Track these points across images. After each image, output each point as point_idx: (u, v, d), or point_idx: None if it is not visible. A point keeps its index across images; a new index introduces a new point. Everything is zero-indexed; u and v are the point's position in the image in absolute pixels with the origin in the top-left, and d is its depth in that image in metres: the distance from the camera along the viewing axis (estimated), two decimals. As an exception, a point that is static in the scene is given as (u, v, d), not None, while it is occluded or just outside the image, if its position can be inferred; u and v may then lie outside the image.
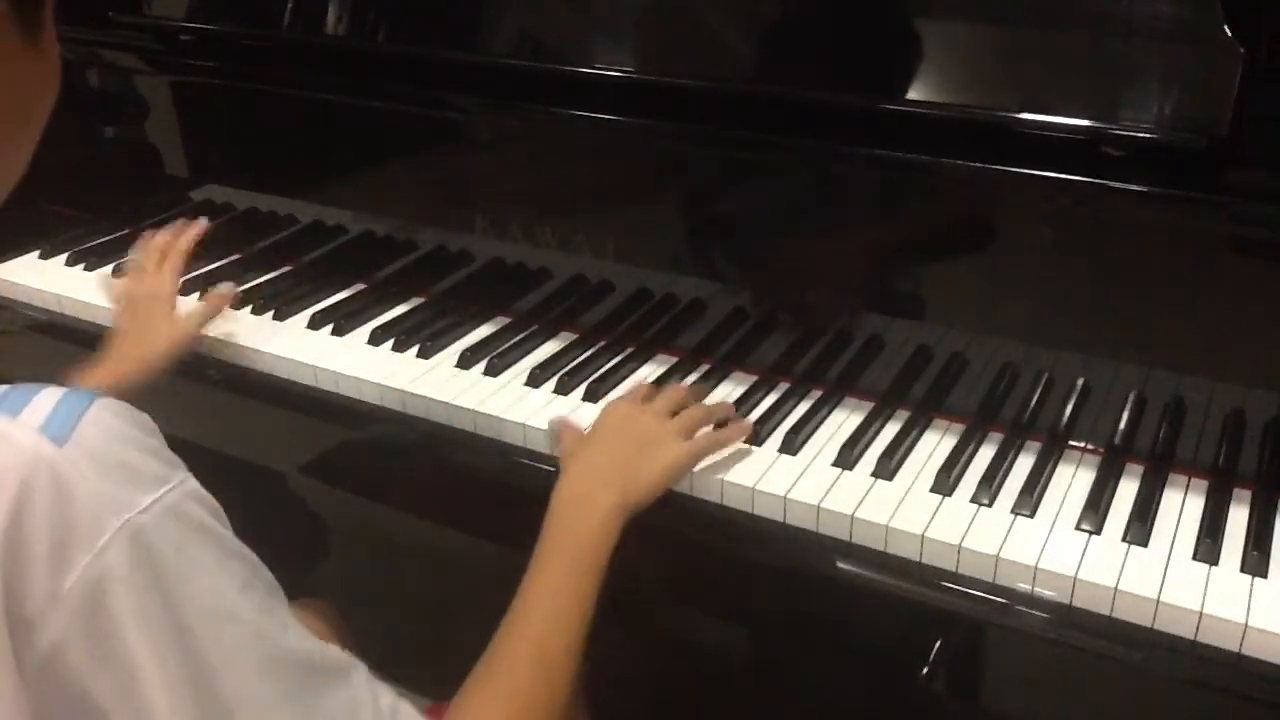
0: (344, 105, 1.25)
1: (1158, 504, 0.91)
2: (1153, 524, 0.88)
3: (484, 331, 1.20)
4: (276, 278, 1.34)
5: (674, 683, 1.43)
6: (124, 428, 0.55)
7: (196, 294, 1.28)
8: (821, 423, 1.03)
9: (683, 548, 0.97)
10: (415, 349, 1.16)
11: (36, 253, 1.42)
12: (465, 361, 1.13)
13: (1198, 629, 0.80)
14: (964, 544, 0.86)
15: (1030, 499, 0.91)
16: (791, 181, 1.05)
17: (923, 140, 0.94)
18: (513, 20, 1.18)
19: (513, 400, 1.07)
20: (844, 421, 1.03)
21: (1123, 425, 0.97)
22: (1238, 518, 0.88)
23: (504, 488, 1.05)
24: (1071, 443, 0.98)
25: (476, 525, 1.12)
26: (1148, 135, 0.87)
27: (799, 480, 0.94)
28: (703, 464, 0.95)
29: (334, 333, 1.21)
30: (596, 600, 0.82)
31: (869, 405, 1.05)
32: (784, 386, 1.08)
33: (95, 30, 1.37)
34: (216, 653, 0.54)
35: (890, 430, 1.01)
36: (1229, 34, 0.85)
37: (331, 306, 1.26)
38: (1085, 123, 0.89)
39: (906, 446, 0.98)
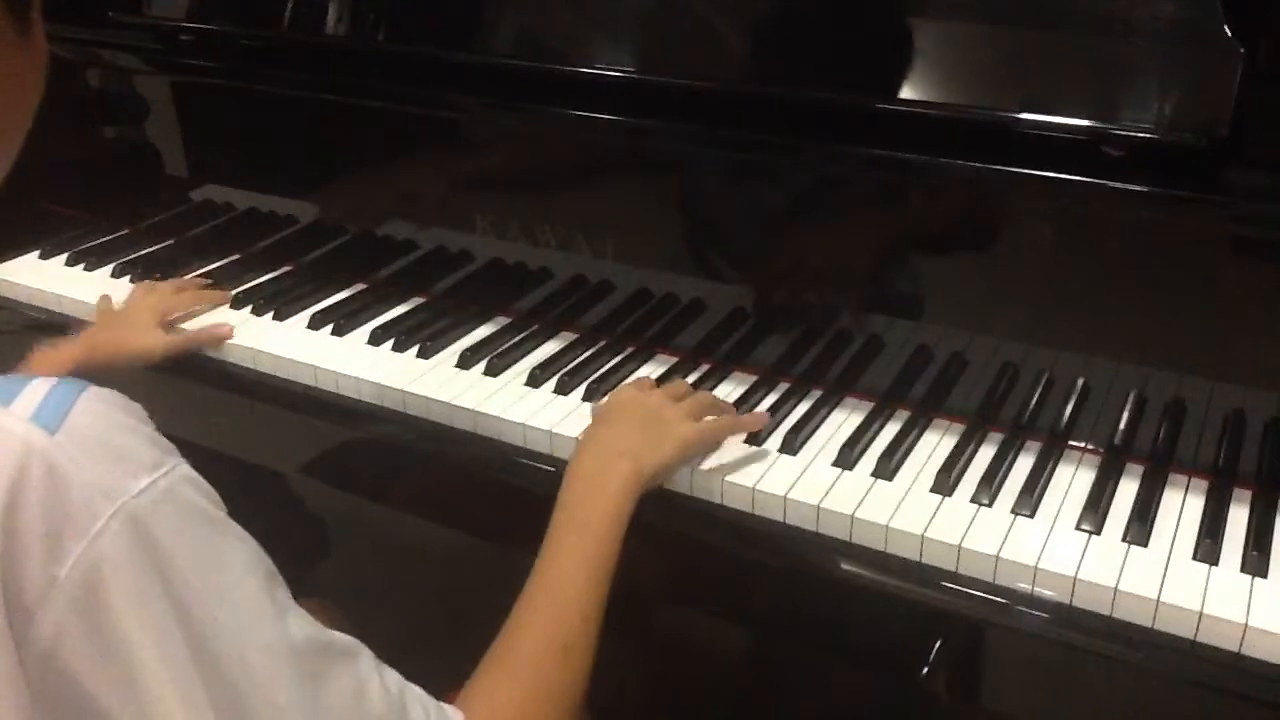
0: (344, 105, 1.25)
1: (1158, 504, 0.91)
2: (1153, 524, 0.88)
3: (484, 331, 1.20)
4: (276, 278, 1.34)
5: (674, 683, 1.43)
6: (115, 415, 0.55)
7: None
8: (821, 423, 1.03)
9: (682, 548, 0.97)
10: (415, 349, 1.16)
11: (36, 253, 1.42)
12: (465, 361, 1.13)
13: (1198, 629, 0.80)
14: (964, 544, 0.86)
15: (1030, 499, 0.91)
16: (791, 181, 1.05)
17: (923, 140, 0.95)
18: (513, 20, 1.18)
19: (513, 400, 1.07)
20: (844, 421, 1.03)
21: (1123, 425, 0.97)
22: (1238, 518, 0.88)
23: (504, 488, 1.05)
24: (1071, 443, 0.98)
25: (476, 525, 1.12)
26: (1148, 135, 0.87)
27: (799, 480, 0.94)
28: (703, 464, 0.95)
29: (334, 333, 1.21)
30: (612, 579, 0.81)
31: (869, 405, 1.05)
32: (784, 386, 1.08)
33: (95, 30, 1.37)
34: (218, 635, 0.54)
35: (890, 430, 1.01)
36: (1229, 34, 0.85)
37: (331, 306, 1.26)
38: (1085, 123, 0.89)
39: (906, 446, 0.98)
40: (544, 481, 1.00)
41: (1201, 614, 0.79)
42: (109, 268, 1.38)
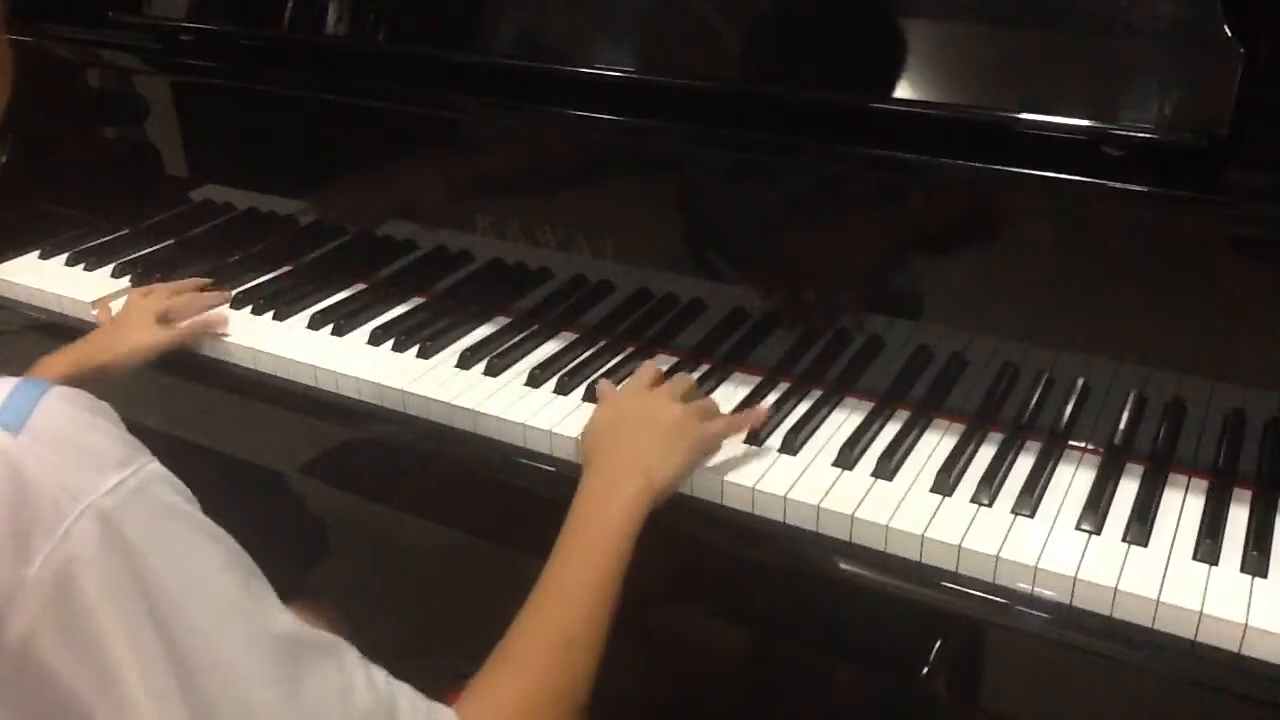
0: (344, 105, 1.25)
1: (1158, 504, 0.91)
2: (1153, 524, 0.88)
3: (484, 331, 1.20)
4: (276, 278, 1.34)
5: (674, 683, 1.43)
6: (80, 414, 0.55)
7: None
8: (821, 423, 1.03)
9: (682, 547, 0.97)
10: (415, 349, 1.16)
11: (36, 253, 1.42)
12: (465, 361, 1.13)
13: (1197, 629, 0.80)
14: (964, 544, 0.86)
15: (1030, 499, 0.91)
16: (791, 181, 1.05)
17: (923, 140, 0.94)
18: (513, 20, 1.18)
19: (513, 400, 1.07)
20: (844, 421, 1.03)
21: (1123, 425, 0.97)
22: (1238, 518, 0.88)
23: (504, 488, 1.05)
24: (1071, 443, 0.98)
25: (476, 525, 1.12)
26: (1148, 135, 0.87)
27: (799, 480, 0.94)
28: (703, 464, 0.95)
29: (334, 333, 1.21)
30: (621, 588, 0.81)
31: (869, 405, 1.05)
32: (784, 386, 1.08)
33: (95, 30, 1.38)
34: (192, 631, 0.54)
35: (890, 430, 1.01)
36: (1229, 34, 0.85)
37: (331, 306, 1.26)
38: (1085, 123, 0.89)
39: (906, 446, 0.98)
40: (544, 481, 1.00)
41: (1201, 614, 0.79)
42: (109, 268, 1.38)
